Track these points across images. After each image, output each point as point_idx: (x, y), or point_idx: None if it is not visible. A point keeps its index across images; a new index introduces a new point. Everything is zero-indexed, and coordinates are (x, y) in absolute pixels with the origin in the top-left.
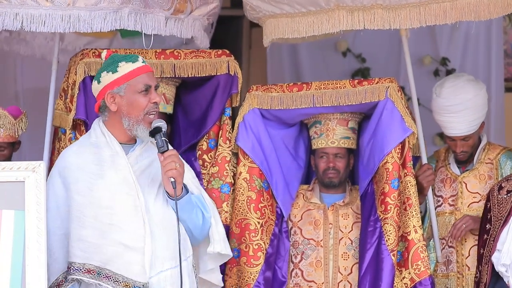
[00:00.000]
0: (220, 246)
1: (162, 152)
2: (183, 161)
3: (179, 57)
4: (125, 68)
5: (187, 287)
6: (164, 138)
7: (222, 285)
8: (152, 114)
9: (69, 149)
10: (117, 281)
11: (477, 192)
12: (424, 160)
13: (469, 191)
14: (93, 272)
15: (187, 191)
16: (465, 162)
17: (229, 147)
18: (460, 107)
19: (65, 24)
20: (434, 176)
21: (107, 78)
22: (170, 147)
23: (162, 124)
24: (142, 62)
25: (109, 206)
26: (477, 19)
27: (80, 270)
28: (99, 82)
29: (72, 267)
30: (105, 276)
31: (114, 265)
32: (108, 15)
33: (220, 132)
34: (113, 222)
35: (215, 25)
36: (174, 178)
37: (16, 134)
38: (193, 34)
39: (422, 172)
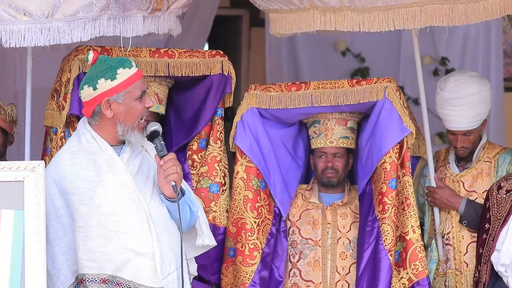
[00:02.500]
0: (208, 238)
1: (161, 156)
2: None
3: (173, 56)
4: (123, 75)
5: (188, 286)
6: (162, 141)
7: (196, 274)
8: (143, 119)
9: (60, 157)
10: None
11: (473, 190)
12: (430, 159)
13: (466, 190)
14: (107, 282)
15: (183, 193)
16: (465, 159)
17: (220, 147)
18: (463, 101)
19: (45, 37)
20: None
21: (105, 85)
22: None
23: (159, 127)
24: (136, 67)
25: (113, 212)
26: (450, 24)
27: (95, 281)
28: (95, 88)
29: (86, 279)
30: (116, 283)
31: (125, 272)
32: (88, 24)
33: (211, 132)
34: (119, 229)
35: (211, 26)
36: (175, 182)
37: (7, 120)
38: (169, 27)
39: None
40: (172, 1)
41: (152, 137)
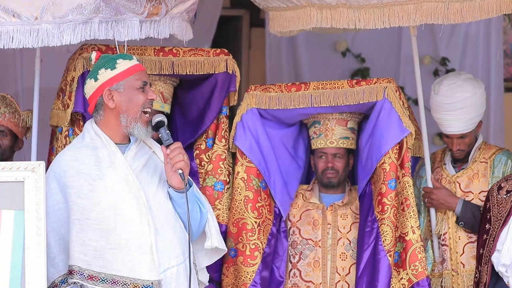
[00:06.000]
0: (217, 240)
1: (167, 145)
2: None
3: (178, 55)
4: (123, 65)
5: (193, 283)
6: (168, 131)
7: (207, 284)
8: (147, 113)
9: (64, 153)
10: (125, 284)
11: (469, 191)
12: (427, 160)
13: (462, 191)
14: (95, 279)
15: (190, 184)
16: (461, 161)
17: (225, 145)
18: (458, 105)
19: (33, 39)
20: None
21: (105, 74)
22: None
23: (163, 117)
24: (137, 61)
25: (112, 206)
26: (446, 22)
27: (83, 275)
28: (96, 79)
29: (74, 271)
30: (112, 281)
31: (120, 268)
32: (78, 26)
33: (217, 131)
34: (117, 223)
35: (215, 26)
36: (182, 170)
37: (20, 125)
38: (171, 32)
39: (427, 191)
40: (171, 6)
41: (157, 127)
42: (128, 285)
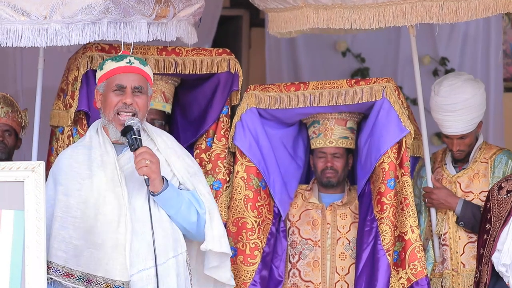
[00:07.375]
0: (213, 244)
1: (134, 150)
2: (181, 155)
3: (181, 54)
4: (109, 66)
5: (171, 285)
6: (135, 136)
7: (232, 283)
8: (123, 114)
9: (64, 151)
10: (99, 283)
11: (470, 191)
12: (427, 160)
13: (462, 191)
14: (72, 276)
15: (167, 186)
16: (462, 161)
17: (224, 144)
18: (458, 106)
19: (42, 38)
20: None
21: (97, 75)
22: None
23: (134, 122)
24: (127, 63)
25: (95, 206)
26: (441, 21)
27: (58, 271)
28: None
29: (51, 267)
30: (87, 280)
31: (96, 268)
32: (86, 27)
33: (216, 130)
34: (97, 222)
35: (216, 26)
36: (146, 175)
37: (21, 124)
38: (178, 35)
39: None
40: (179, 9)
41: (125, 131)
42: (102, 284)
